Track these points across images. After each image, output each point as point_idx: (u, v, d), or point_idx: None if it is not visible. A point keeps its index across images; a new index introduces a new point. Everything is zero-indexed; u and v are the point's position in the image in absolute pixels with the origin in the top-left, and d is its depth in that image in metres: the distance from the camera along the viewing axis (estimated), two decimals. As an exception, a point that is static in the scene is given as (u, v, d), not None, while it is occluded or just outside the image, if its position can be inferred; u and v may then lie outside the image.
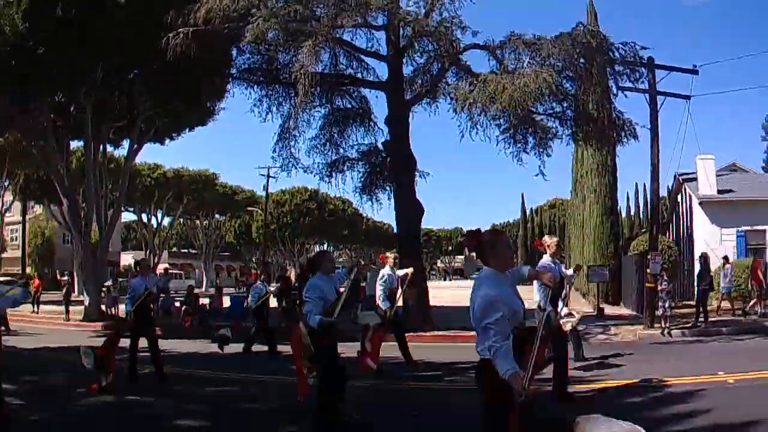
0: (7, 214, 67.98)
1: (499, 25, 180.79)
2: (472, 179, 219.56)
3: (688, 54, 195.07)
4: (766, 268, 29.62)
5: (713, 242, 37.83)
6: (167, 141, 38.04)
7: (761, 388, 12.79)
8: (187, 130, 37.29)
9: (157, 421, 11.68)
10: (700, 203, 40.84)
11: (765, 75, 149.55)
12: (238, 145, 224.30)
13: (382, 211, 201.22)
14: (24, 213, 71.68)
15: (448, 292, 50.63)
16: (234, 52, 27.36)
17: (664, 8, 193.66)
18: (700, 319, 25.61)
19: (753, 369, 14.57)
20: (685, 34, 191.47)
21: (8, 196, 65.07)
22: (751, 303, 29.05)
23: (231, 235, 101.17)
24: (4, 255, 73.10)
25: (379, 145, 28.10)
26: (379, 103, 28.66)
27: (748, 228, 38.77)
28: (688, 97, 26.79)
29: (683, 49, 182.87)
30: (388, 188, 27.76)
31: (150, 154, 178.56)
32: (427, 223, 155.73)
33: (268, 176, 69.47)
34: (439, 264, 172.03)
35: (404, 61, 26.49)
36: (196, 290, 36.60)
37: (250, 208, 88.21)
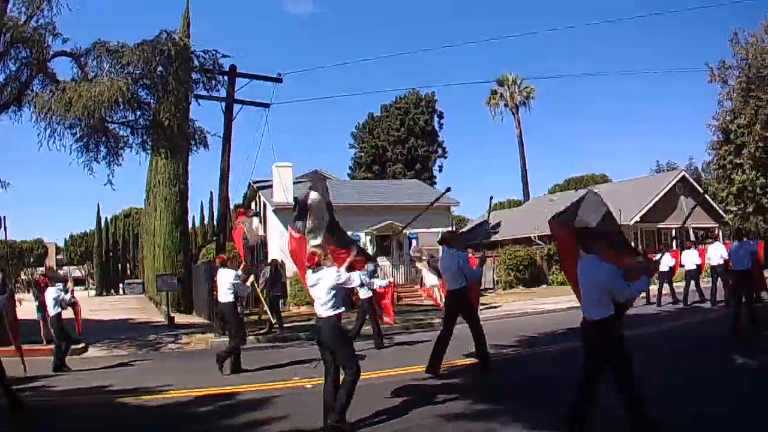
0: None
1: (102, 33, 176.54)
2: (52, 189, 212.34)
3: (291, 64, 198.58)
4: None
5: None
6: None
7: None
8: None
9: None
10: (274, 210, 43.31)
11: (350, 84, 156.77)
12: None
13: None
14: None
15: (30, 306, 49.86)
16: None
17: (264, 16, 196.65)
18: (275, 326, 26.45)
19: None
20: (289, 44, 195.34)
21: None
22: None
23: None
24: None
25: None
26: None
27: (329, 234, 40.79)
28: (267, 105, 27.99)
29: (289, 58, 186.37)
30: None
31: None
32: (12, 234, 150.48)
33: None
34: (22, 276, 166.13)
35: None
36: None
37: None
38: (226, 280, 17.48)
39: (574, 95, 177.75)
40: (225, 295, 17.57)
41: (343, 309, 10.87)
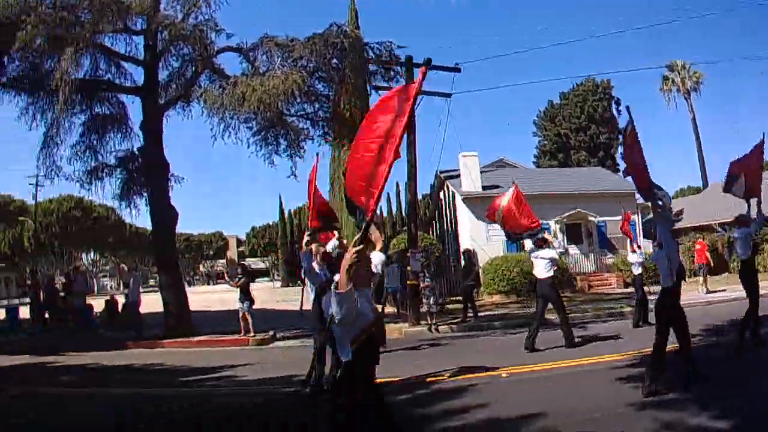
0: None
1: (261, 27, 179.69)
2: (229, 182, 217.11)
3: (457, 53, 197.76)
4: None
5: (480, 238, 38.75)
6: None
7: (533, 381, 13.21)
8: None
9: None
10: (463, 199, 42.02)
11: (533, 72, 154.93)
12: (10, 154, 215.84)
13: (142, 217, 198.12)
14: None
15: (213, 297, 50.52)
16: (5, 60, 26.27)
17: (433, 8, 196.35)
18: (469, 315, 25.90)
19: (526, 363, 15.07)
20: (456, 34, 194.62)
21: None
22: None
23: (5, 246, 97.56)
24: None
25: (136, 151, 27.50)
26: (137, 109, 28.15)
27: (518, 222, 40.11)
28: (448, 95, 27.20)
29: (454, 48, 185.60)
30: (145, 194, 27.17)
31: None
32: (188, 227, 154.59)
33: (37, 185, 67.85)
34: (201, 269, 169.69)
35: (161, 65, 26.11)
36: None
37: (21, 218, 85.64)
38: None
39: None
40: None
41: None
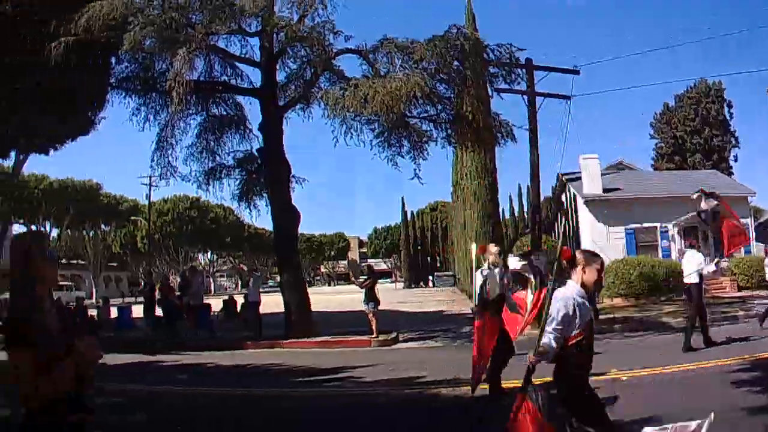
0: None
1: (377, 29, 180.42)
2: (351, 183, 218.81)
3: (571, 54, 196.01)
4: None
5: (601, 240, 38.46)
6: (51, 151, 37.19)
7: (654, 384, 13.07)
8: (69, 140, 36.44)
9: None
10: (585, 202, 41.83)
11: (649, 74, 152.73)
12: (122, 155, 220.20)
13: (262, 218, 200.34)
14: None
15: (335, 297, 50.73)
16: (113, 61, 26.61)
17: (546, 8, 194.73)
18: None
19: (647, 365, 14.83)
20: (569, 34, 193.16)
21: None
22: None
23: (117, 245, 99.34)
24: None
25: (255, 152, 27.87)
26: (254, 110, 28.39)
27: (638, 225, 39.58)
28: (568, 98, 26.94)
29: (567, 49, 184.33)
30: (265, 195, 27.55)
31: (37, 165, 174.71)
32: (309, 227, 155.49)
33: (150, 185, 68.95)
34: (322, 269, 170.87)
35: (278, 67, 26.35)
36: (86, 302, 36.10)
37: (133, 218, 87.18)
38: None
39: None
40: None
41: None
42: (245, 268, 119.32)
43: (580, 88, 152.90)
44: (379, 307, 24.52)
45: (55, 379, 3.79)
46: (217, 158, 28.23)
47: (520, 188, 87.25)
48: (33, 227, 77.43)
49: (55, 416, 3.78)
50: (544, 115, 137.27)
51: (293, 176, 27.44)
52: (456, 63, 23.40)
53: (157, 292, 31.17)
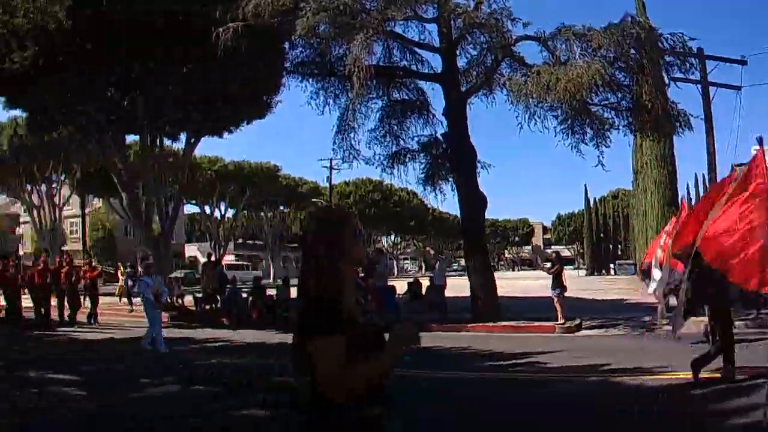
0: (65, 208, 67.60)
1: (544, 15, 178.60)
2: (534, 169, 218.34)
3: (731, 42, 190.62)
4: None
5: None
6: (225, 134, 37.82)
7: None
8: (245, 123, 37.03)
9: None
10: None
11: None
12: (299, 137, 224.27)
13: (447, 202, 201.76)
14: (83, 206, 72.22)
15: (519, 283, 50.93)
16: (286, 46, 27.40)
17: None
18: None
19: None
20: (732, 23, 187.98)
21: (65, 190, 64.79)
22: None
23: (297, 226, 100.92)
24: (65, 248, 71.01)
25: (439, 137, 28.00)
26: (435, 95, 28.40)
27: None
28: (738, 88, 27.37)
29: (727, 38, 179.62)
30: (450, 179, 27.69)
31: (211, 148, 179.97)
32: (494, 213, 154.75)
33: (331, 168, 69.85)
34: (506, 255, 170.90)
35: (458, 53, 26.38)
36: (263, 281, 36.73)
37: (314, 200, 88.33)
38: None
39: None
40: None
41: None
42: (432, 252, 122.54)
43: (749, 78, 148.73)
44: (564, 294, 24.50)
45: (371, 370, 3.69)
46: (401, 142, 28.56)
47: (696, 177, 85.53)
48: (206, 208, 79.39)
49: (359, 409, 3.57)
50: (719, 105, 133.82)
51: (479, 161, 27.44)
52: (633, 51, 23.21)
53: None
